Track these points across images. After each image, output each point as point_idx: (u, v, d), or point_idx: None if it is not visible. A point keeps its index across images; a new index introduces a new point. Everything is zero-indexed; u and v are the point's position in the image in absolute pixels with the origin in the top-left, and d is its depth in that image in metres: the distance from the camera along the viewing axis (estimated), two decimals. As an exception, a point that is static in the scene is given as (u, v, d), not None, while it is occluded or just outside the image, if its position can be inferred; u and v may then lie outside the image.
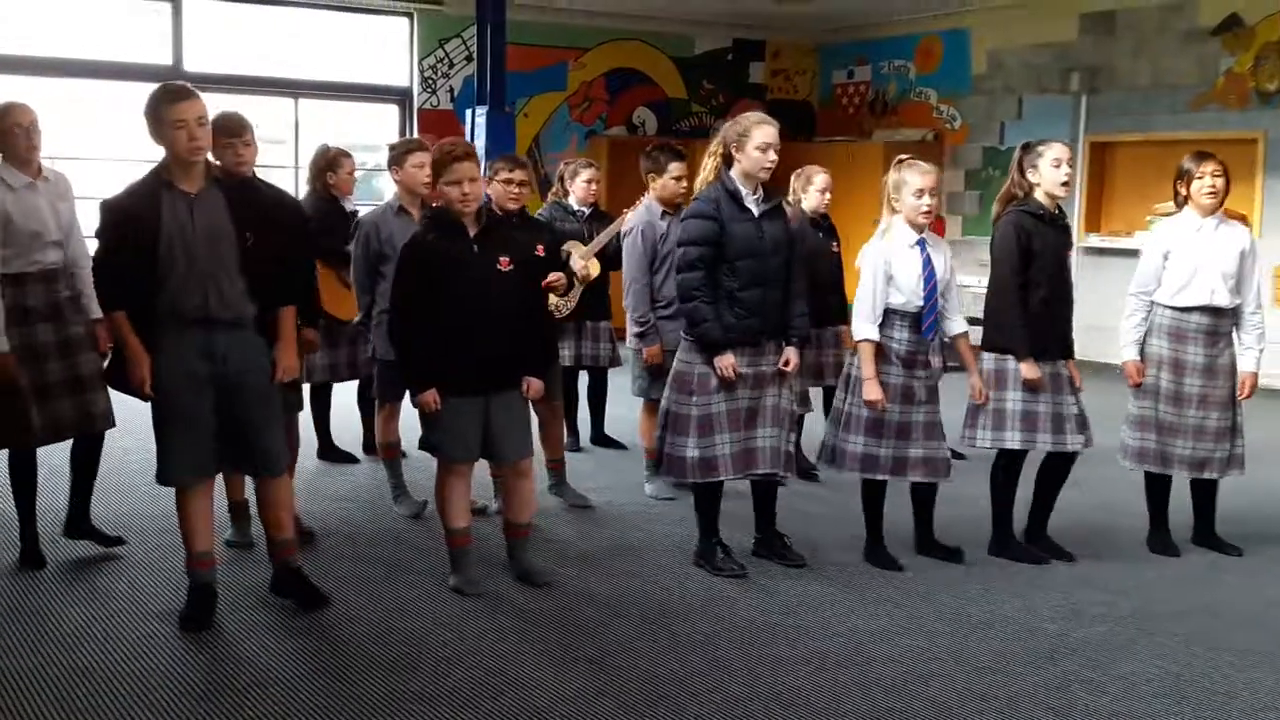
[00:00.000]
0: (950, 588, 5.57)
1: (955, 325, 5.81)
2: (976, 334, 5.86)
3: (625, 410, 8.31)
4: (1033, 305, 5.73)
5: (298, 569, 5.10)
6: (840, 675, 4.56)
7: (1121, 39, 12.56)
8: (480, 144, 11.38)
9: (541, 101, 14.43)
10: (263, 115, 13.59)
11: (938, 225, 7.85)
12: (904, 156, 5.77)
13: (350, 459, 7.67)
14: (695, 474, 5.53)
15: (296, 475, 7.22)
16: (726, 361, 5.43)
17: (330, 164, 7.19)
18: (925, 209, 5.60)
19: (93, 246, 4.90)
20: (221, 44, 12.81)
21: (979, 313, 6.01)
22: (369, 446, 7.79)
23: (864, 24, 15.10)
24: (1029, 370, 5.70)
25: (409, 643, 4.77)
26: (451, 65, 13.92)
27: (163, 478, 4.86)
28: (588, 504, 6.80)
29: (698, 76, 15.41)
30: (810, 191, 7.40)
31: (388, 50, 13.81)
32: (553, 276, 5.84)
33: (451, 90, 13.93)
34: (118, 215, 4.70)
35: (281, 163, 12.99)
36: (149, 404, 4.79)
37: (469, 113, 12.10)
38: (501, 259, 5.15)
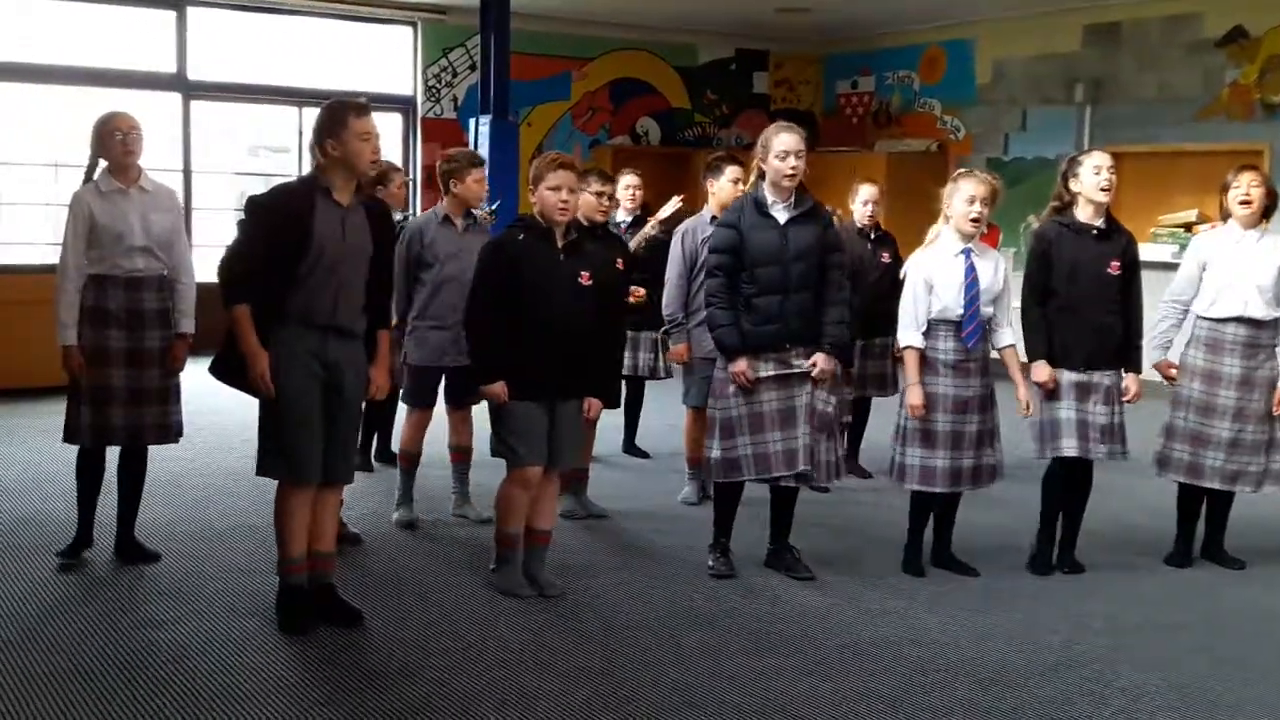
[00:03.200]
0: (954, 599, 5.56)
1: (1003, 337, 5.82)
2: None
3: (657, 423, 8.35)
4: (1049, 312, 5.79)
5: (331, 585, 5.09)
6: (843, 686, 4.55)
7: (1126, 50, 12.56)
8: (483, 153, 11.38)
9: (545, 111, 14.45)
10: (267, 124, 13.66)
11: (993, 231, 7.86)
12: (964, 170, 5.87)
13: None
14: (718, 474, 5.64)
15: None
16: (739, 367, 5.49)
17: (381, 177, 7.19)
18: (974, 216, 5.62)
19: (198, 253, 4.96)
20: (226, 53, 12.82)
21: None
22: (380, 455, 7.84)
23: (868, 34, 15.12)
24: (1038, 373, 5.73)
25: (411, 652, 4.77)
26: (455, 74, 13.94)
27: (291, 475, 4.86)
28: (603, 514, 6.81)
29: (701, 86, 15.43)
30: (855, 204, 7.63)
31: (392, 59, 13.84)
32: (636, 291, 5.94)
33: (455, 99, 13.95)
34: (272, 212, 4.80)
35: (286, 172, 13.00)
36: (259, 401, 4.83)
37: (472, 122, 12.11)
38: (583, 273, 5.25)
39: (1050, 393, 5.78)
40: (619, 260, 6.40)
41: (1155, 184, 11.87)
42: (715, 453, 5.61)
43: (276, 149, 13.87)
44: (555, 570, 5.64)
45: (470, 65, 13.79)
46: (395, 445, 7.87)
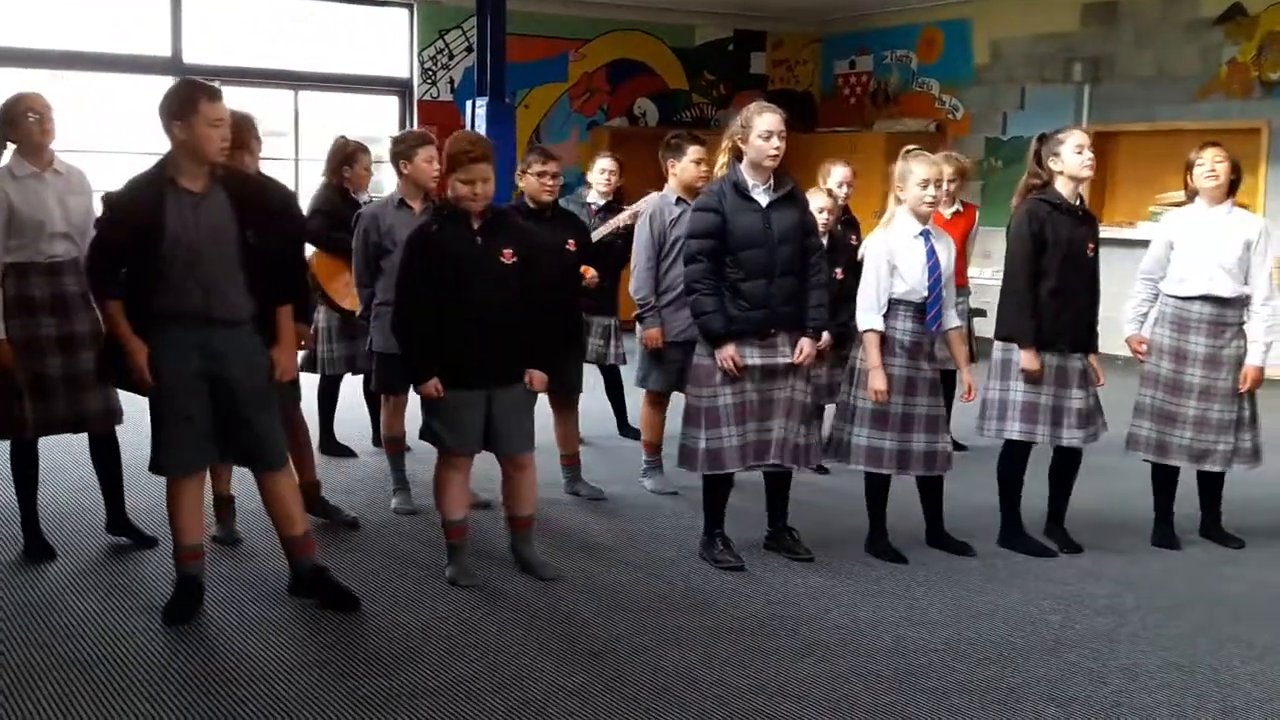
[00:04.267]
0: (952, 579, 5.56)
1: (950, 319, 5.79)
2: (981, 324, 5.83)
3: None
4: (1041, 295, 5.71)
5: (323, 567, 5.06)
6: (841, 666, 4.55)
7: (1124, 29, 12.53)
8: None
9: (542, 92, 14.40)
10: (263, 107, 13.60)
11: (969, 210, 7.76)
12: (911, 148, 5.76)
13: (349, 453, 7.65)
14: (703, 466, 5.53)
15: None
16: (726, 353, 5.41)
17: (348, 158, 7.14)
18: (929, 200, 5.60)
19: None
20: (221, 35, 12.78)
21: (983, 304, 5.98)
22: (379, 440, 7.79)
23: (865, 14, 15.08)
24: (1028, 360, 5.69)
25: (410, 636, 4.77)
26: (451, 56, 13.90)
27: (157, 468, 4.85)
28: (602, 496, 6.79)
29: (699, 67, 15.38)
30: (829, 184, 7.39)
31: (387, 41, 13.79)
32: (585, 271, 5.88)
33: (452, 81, 13.91)
34: (120, 211, 4.68)
35: (282, 155, 12.97)
36: (147, 397, 4.78)
37: (469, 104, 12.07)
38: (505, 251, 5.13)
39: (1029, 378, 5.73)
40: (571, 241, 6.32)
41: (1153, 163, 11.86)
42: (701, 443, 5.49)
43: (272, 133, 13.83)
44: (551, 553, 5.64)
45: (466, 47, 13.75)
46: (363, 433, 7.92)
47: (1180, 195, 11.49)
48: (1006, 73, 13.68)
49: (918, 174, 5.56)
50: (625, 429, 8.40)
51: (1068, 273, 5.73)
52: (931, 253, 5.59)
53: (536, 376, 5.30)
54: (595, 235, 7.06)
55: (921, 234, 5.61)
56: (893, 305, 5.59)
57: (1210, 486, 6.23)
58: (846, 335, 6.30)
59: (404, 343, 5.28)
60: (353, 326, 7.13)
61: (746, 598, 5.27)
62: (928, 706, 4.24)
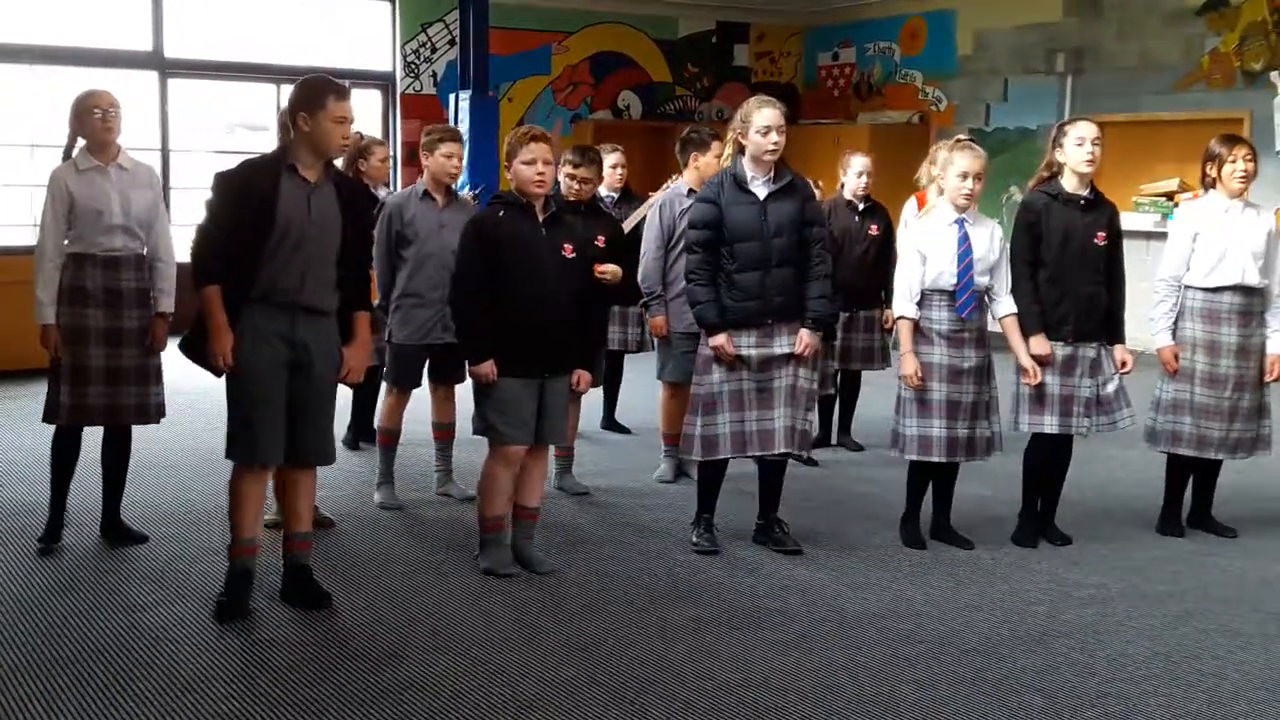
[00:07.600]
0: (939, 571, 5.56)
1: (1002, 306, 5.79)
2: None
3: (637, 398, 8.33)
4: (1040, 285, 5.74)
5: (308, 566, 5.05)
6: (828, 659, 4.55)
7: (1107, 19, 12.54)
8: (464, 129, 11.34)
9: (526, 85, 14.38)
10: (244, 101, 13.56)
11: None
12: (961, 137, 5.86)
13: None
14: (698, 452, 5.62)
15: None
16: (717, 341, 5.48)
17: (362, 152, 7.14)
18: (966, 191, 5.62)
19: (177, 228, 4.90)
20: (202, 29, 12.71)
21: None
22: (349, 441, 7.77)
23: (849, 6, 15.08)
24: (1035, 345, 5.71)
25: (395, 632, 4.75)
26: (434, 49, 13.86)
27: (245, 456, 4.81)
28: (585, 491, 6.79)
29: (682, 59, 15.37)
30: (848, 175, 7.55)
31: (370, 35, 13.74)
32: (606, 268, 5.91)
33: (434, 74, 13.87)
34: (239, 189, 4.75)
35: (263, 150, 12.89)
36: (223, 380, 4.80)
37: (452, 97, 12.04)
38: (566, 246, 5.22)
39: (1040, 362, 5.75)
40: (599, 237, 6.36)
41: (1137, 153, 11.86)
42: (696, 430, 5.59)
43: (254, 127, 13.78)
44: (539, 547, 5.62)
45: (449, 40, 13.71)
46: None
47: (1168, 184, 11.60)
48: (990, 64, 13.69)
49: (959, 165, 5.61)
50: (611, 421, 8.38)
51: (1066, 262, 5.73)
52: (964, 240, 5.61)
53: (585, 378, 5.41)
54: (628, 225, 7.09)
55: (956, 222, 5.64)
56: (928, 295, 5.65)
57: (1208, 476, 6.24)
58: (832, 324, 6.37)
59: (461, 322, 5.32)
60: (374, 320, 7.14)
61: (733, 590, 5.27)
62: (914, 698, 4.24)
